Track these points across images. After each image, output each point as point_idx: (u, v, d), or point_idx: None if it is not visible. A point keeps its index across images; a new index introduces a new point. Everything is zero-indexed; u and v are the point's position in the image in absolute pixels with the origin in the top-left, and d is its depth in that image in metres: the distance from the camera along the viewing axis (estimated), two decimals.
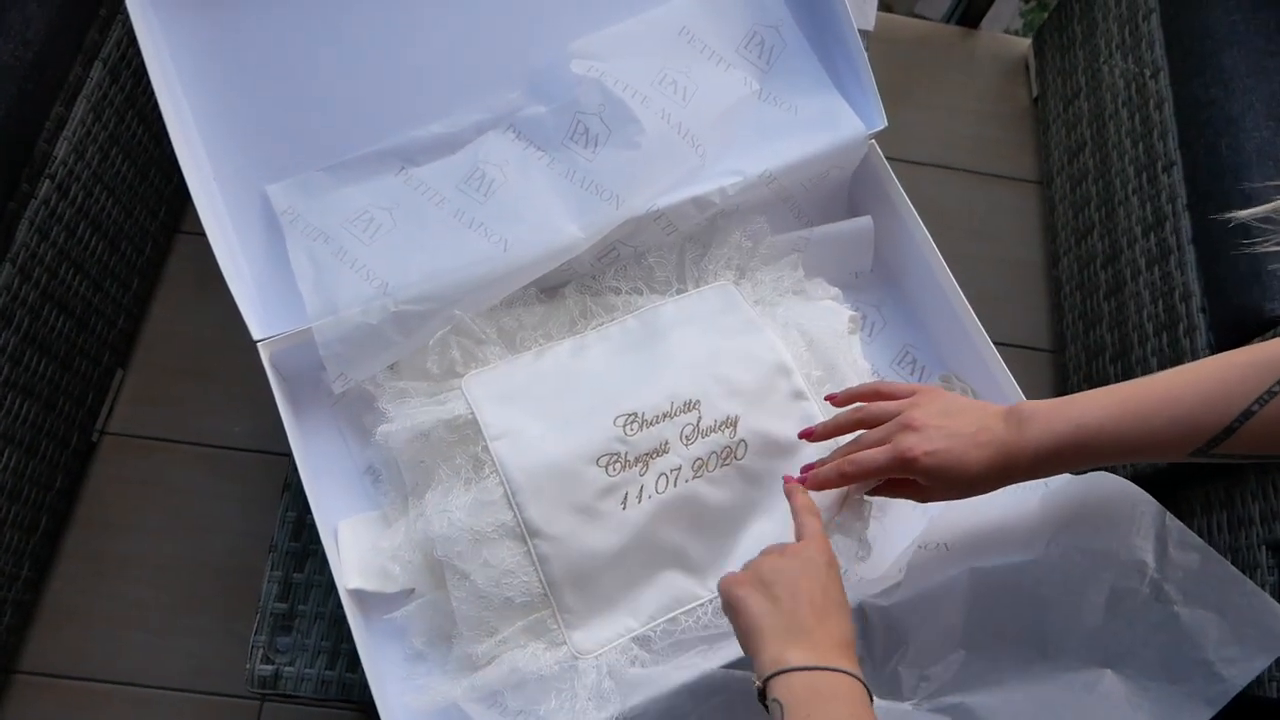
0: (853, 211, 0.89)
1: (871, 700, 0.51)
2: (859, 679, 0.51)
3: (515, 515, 0.69)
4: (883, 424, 0.61)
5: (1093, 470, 0.66)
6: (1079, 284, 1.32)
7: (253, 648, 0.74)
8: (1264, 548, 0.95)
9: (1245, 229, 0.55)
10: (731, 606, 0.56)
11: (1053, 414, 0.57)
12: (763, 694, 0.52)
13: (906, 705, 0.68)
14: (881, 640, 0.68)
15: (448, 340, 0.76)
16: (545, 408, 0.73)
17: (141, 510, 1.19)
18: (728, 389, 0.73)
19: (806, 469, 0.65)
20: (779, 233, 0.83)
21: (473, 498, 0.71)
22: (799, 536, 0.60)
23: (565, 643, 0.68)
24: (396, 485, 0.75)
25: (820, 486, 0.63)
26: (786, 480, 0.65)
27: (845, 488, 0.64)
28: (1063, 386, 1.33)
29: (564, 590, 0.69)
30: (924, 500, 0.62)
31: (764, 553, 0.58)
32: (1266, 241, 0.53)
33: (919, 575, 0.69)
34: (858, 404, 0.65)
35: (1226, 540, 0.99)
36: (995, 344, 0.79)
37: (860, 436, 0.63)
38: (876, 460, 0.59)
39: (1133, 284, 1.18)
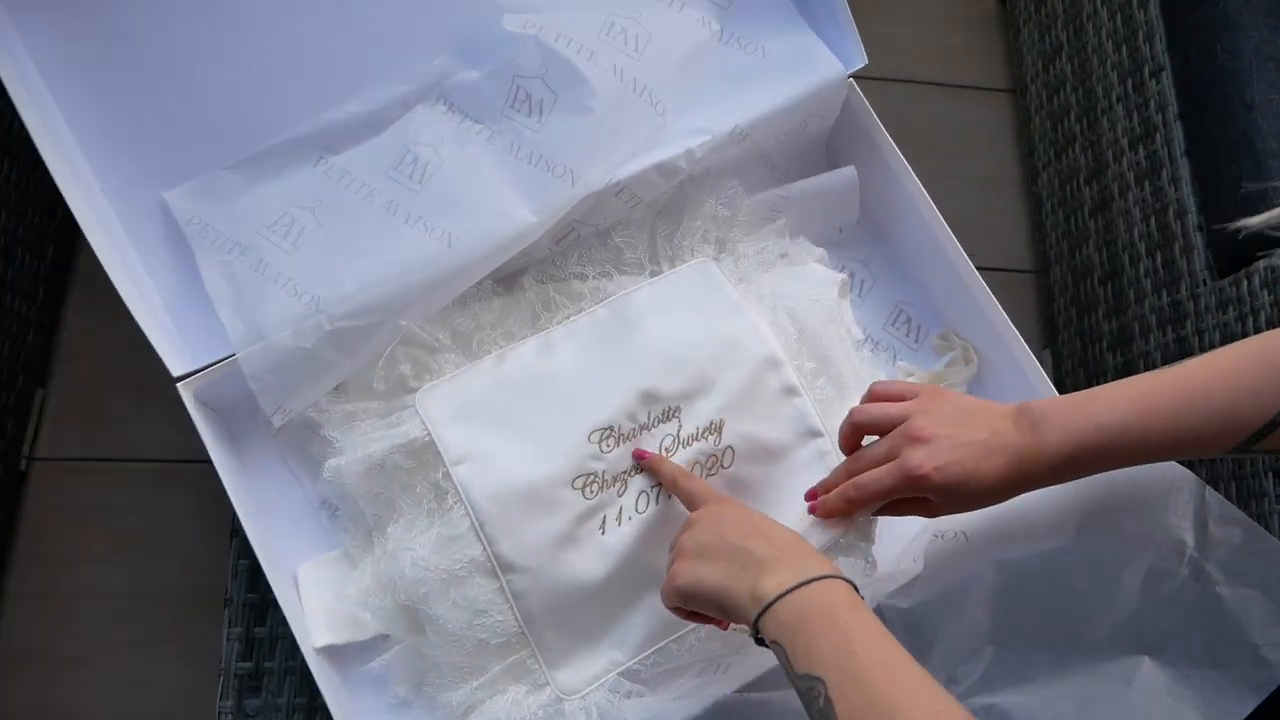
0: (832, 160, 0.81)
1: (859, 594, 0.48)
2: (839, 577, 0.48)
3: (485, 549, 0.62)
4: (885, 432, 0.56)
5: None
6: (1061, 200, 1.25)
7: (219, 714, 0.67)
8: (1270, 475, 0.91)
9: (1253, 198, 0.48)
10: (687, 600, 0.53)
11: (1070, 414, 0.52)
12: (759, 639, 0.49)
13: None
14: (904, 645, 0.62)
15: (395, 354, 0.67)
16: (511, 422, 0.66)
17: (85, 538, 1.10)
18: (711, 389, 0.66)
19: (811, 496, 0.59)
20: (755, 194, 0.75)
21: (437, 532, 0.63)
22: (691, 506, 0.58)
23: (548, 684, 0.62)
24: (356, 519, 0.68)
25: (829, 515, 0.58)
26: (637, 454, 0.64)
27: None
28: (1049, 309, 1.28)
29: (543, 627, 0.62)
30: (933, 515, 0.56)
31: (672, 551, 0.55)
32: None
33: (939, 569, 0.63)
34: (857, 409, 0.59)
35: (1231, 468, 0.95)
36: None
37: (862, 453, 0.57)
38: (883, 483, 0.54)
39: (1121, 200, 1.11)
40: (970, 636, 0.61)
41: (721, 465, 0.65)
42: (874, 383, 0.60)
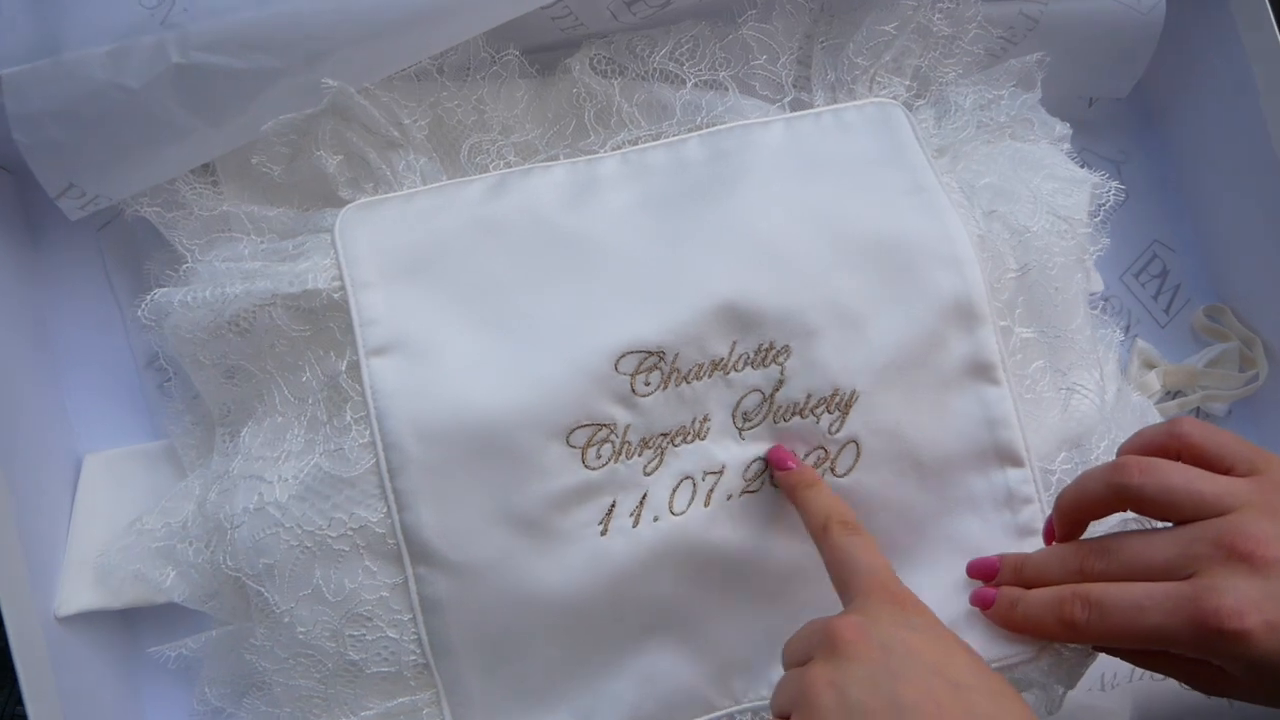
0: None
1: None
2: None
3: (390, 514, 0.35)
4: (1179, 523, 0.31)
5: None
6: None
7: None
8: None
9: None
10: None
11: None
12: None
13: None
14: None
15: (319, 131, 0.38)
16: (485, 302, 0.37)
17: None
18: (850, 330, 0.36)
19: (984, 573, 0.36)
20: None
21: (315, 464, 0.36)
22: (841, 587, 0.32)
23: None
24: (195, 403, 0.40)
25: (1010, 627, 0.34)
26: (775, 457, 0.36)
27: None
28: None
29: (462, 664, 0.36)
30: (1219, 695, 0.32)
31: (797, 665, 0.30)
32: None
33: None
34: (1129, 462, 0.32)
35: None
36: None
37: (1121, 542, 0.32)
38: (1148, 617, 0.30)
39: None
40: None
41: (831, 470, 0.36)
42: (1177, 420, 0.32)
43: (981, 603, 0.35)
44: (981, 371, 0.38)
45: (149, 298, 0.37)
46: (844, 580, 0.32)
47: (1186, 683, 0.32)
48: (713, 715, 0.37)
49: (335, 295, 0.36)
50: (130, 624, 0.40)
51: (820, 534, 0.33)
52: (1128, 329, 0.48)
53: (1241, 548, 0.29)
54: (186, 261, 0.38)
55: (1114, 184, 0.42)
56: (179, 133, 0.36)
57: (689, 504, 0.36)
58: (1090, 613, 0.31)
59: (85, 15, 0.35)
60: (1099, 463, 0.37)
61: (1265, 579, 0.28)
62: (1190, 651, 0.30)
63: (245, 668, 0.39)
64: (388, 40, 0.36)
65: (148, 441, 0.41)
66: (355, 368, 0.36)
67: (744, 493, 0.36)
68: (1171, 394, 0.47)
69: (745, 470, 0.36)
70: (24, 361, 0.40)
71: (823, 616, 0.30)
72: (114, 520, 0.39)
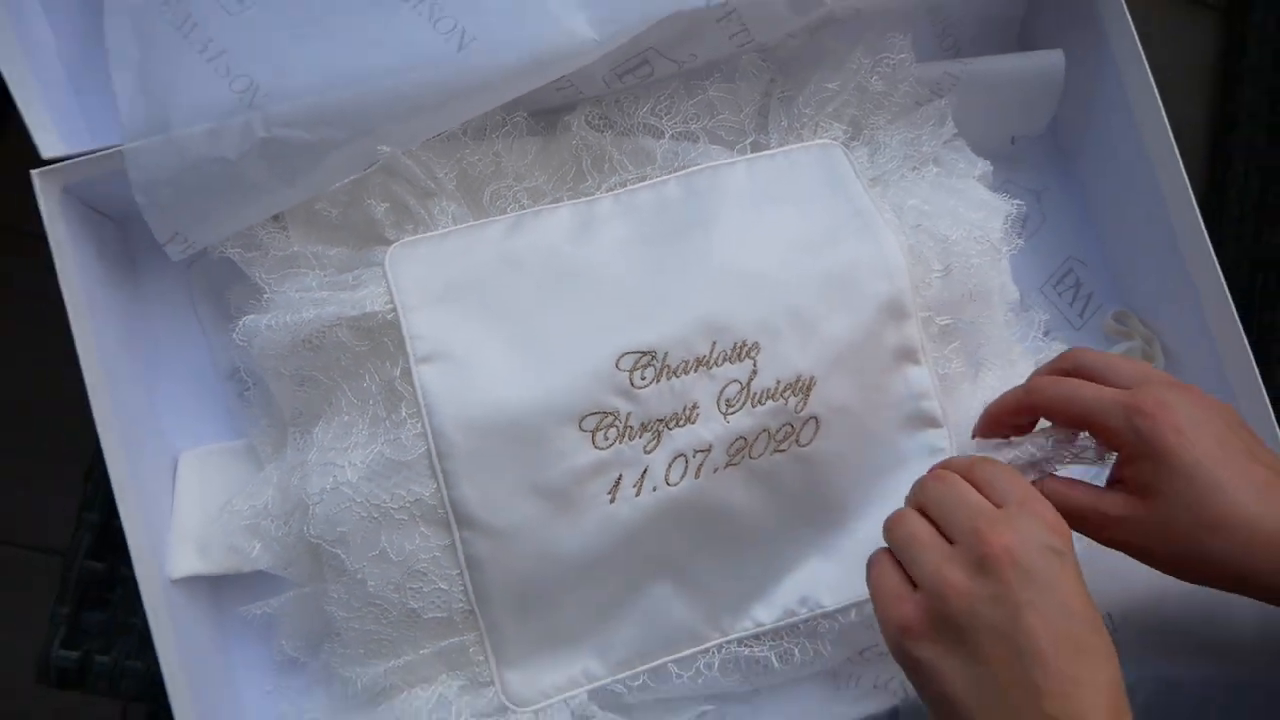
0: (1025, 41, 0.57)
1: None
2: None
3: (440, 490, 0.43)
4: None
5: None
6: (1261, 164, 0.99)
7: (52, 620, 0.50)
8: None
9: None
10: (909, 668, 0.35)
11: None
12: None
13: None
14: None
15: (370, 184, 0.47)
16: (511, 318, 0.46)
17: None
18: (807, 331, 0.45)
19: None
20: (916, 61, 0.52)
21: (379, 452, 0.44)
22: (1003, 497, 0.35)
23: (493, 683, 0.45)
24: (271, 407, 0.49)
25: (991, 425, 0.43)
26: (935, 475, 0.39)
27: None
28: None
29: (500, 610, 0.45)
30: (1130, 543, 0.38)
31: (934, 555, 0.35)
32: None
33: None
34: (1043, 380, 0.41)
35: None
36: None
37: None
38: (1084, 392, 0.38)
39: None
40: None
41: (797, 441, 0.45)
42: (1075, 350, 0.42)
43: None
44: (907, 355, 0.47)
45: (241, 323, 0.46)
46: (1002, 491, 0.35)
47: (1104, 524, 0.38)
48: (703, 645, 0.46)
49: (388, 316, 0.45)
50: (217, 589, 0.49)
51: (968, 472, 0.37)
52: (1047, 333, 0.56)
53: (1146, 407, 0.36)
54: (265, 293, 0.47)
55: (1017, 202, 0.50)
56: (261, 191, 0.45)
57: (682, 476, 0.45)
58: (1035, 390, 0.39)
59: (188, 99, 0.44)
60: None
61: (1166, 408, 0.36)
62: (1117, 440, 0.36)
63: (315, 624, 0.47)
64: (425, 115, 0.45)
65: (230, 440, 0.50)
66: (407, 374, 0.45)
67: (728, 465, 0.45)
68: None
69: (729, 447, 0.45)
70: (129, 377, 0.48)
71: (974, 504, 0.35)
72: (207, 504, 0.48)
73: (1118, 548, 0.38)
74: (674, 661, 0.46)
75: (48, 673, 0.50)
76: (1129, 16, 0.51)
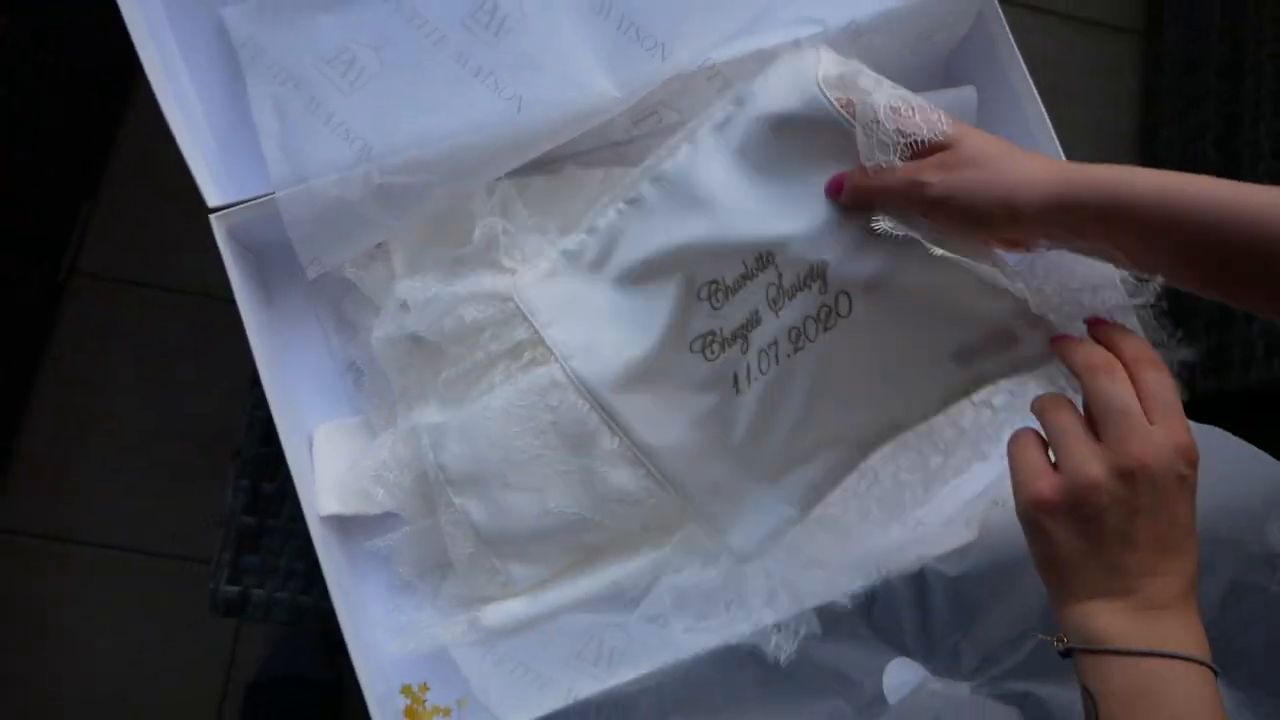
0: (949, 81, 0.73)
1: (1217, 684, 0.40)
2: (1206, 664, 0.39)
3: (610, 428, 0.58)
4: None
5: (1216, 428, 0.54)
6: (1180, 163, 1.15)
7: (216, 565, 0.64)
8: None
9: None
10: (1031, 529, 0.42)
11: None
12: (1065, 653, 0.42)
13: (964, 687, 0.59)
14: (944, 614, 0.58)
15: (508, 196, 0.63)
16: (612, 298, 0.61)
17: (115, 362, 1.09)
18: (810, 223, 0.52)
19: (834, 185, 0.51)
20: None
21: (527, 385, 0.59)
22: (1156, 413, 0.40)
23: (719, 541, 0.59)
24: (382, 389, 0.64)
25: (864, 191, 0.49)
26: (1057, 343, 0.46)
27: None
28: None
29: (699, 499, 0.60)
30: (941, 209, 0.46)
31: (1083, 450, 0.40)
32: None
33: (996, 539, 0.58)
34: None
35: None
36: None
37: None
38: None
39: (1250, 170, 1.01)
40: (1018, 617, 0.57)
41: (839, 314, 0.53)
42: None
43: (835, 186, 0.49)
44: None
45: (375, 326, 0.61)
46: (1159, 405, 0.40)
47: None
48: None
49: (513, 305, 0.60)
50: (347, 531, 0.63)
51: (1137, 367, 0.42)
52: None
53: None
54: (377, 303, 0.62)
55: None
56: (376, 225, 0.60)
57: (769, 367, 0.55)
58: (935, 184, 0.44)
59: (319, 158, 0.59)
60: None
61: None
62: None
63: (425, 555, 0.62)
64: (497, 161, 0.60)
65: (350, 417, 0.65)
66: (535, 335, 0.59)
67: (795, 353, 0.54)
68: None
69: (789, 335, 0.54)
70: (271, 371, 0.63)
71: (1133, 415, 0.39)
72: (338, 463, 0.62)
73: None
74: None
75: (216, 605, 0.64)
76: (1020, 60, 0.66)
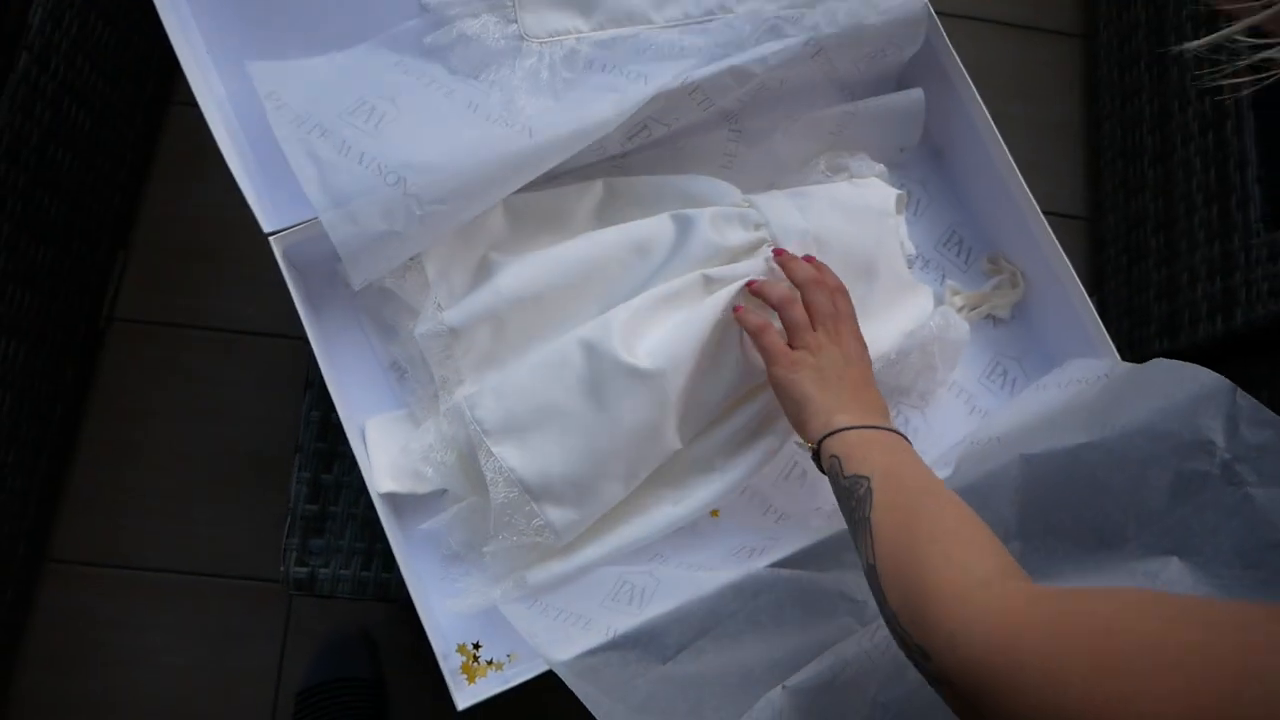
0: (901, 84, 0.82)
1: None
2: (901, 434, 0.58)
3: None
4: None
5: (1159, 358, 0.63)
6: (1122, 149, 1.25)
7: (285, 550, 0.73)
8: None
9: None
10: (784, 389, 0.62)
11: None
12: (816, 455, 0.59)
13: None
14: None
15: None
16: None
17: (156, 398, 1.17)
18: None
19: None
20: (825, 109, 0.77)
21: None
22: (839, 317, 0.65)
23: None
24: (423, 382, 0.73)
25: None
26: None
27: None
28: (1099, 256, 1.29)
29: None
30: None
31: (807, 338, 0.63)
32: (1219, 73, 0.48)
33: (967, 468, 0.67)
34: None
35: None
36: None
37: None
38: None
39: (1183, 150, 1.12)
40: (996, 530, 0.64)
41: None
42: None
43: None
44: None
45: (417, 324, 0.69)
46: (814, 315, 0.64)
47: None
48: None
49: None
50: (401, 514, 0.72)
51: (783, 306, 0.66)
52: (944, 277, 0.81)
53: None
54: (415, 307, 0.71)
55: (923, 194, 0.75)
56: (415, 243, 0.69)
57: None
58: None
59: (356, 191, 0.67)
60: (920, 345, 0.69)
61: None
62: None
63: (475, 528, 0.70)
64: (517, 178, 0.69)
65: (395, 410, 0.74)
66: None
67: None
68: (972, 308, 0.80)
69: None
70: (331, 371, 0.72)
71: (840, 314, 0.65)
72: (390, 449, 0.71)
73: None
74: None
75: (288, 584, 0.72)
76: (960, 65, 0.76)
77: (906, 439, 0.58)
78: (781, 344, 0.64)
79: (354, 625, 1.11)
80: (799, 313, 0.64)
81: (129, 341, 1.19)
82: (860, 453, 0.55)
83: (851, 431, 0.57)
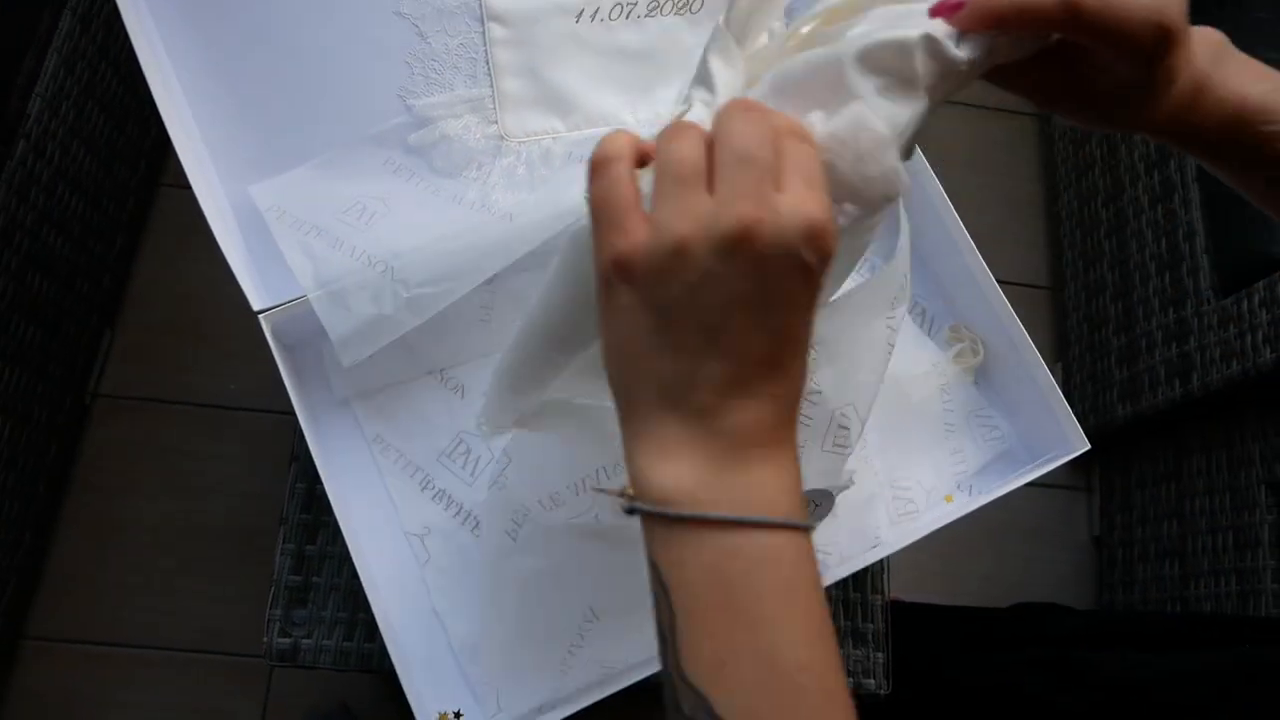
0: None
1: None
2: (801, 527, 0.30)
3: None
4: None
5: None
6: (1079, 221, 1.31)
7: (268, 621, 0.73)
8: (1263, 487, 0.96)
9: None
10: (606, 304, 0.31)
11: None
12: (630, 511, 0.31)
13: None
14: None
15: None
16: None
17: (139, 473, 1.18)
18: None
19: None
20: None
21: None
22: (791, 178, 0.29)
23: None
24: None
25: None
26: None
27: None
28: (1062, 324, 1.33)
29: None
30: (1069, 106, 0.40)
31: (686, 199, 0.29)
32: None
33: None
34: None
35: (1226, 479, 1.00)
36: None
37: None
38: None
39: (1135, 221, 1.17)
40: None
41: None
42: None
43: (945, 8, 0.32)
44: None
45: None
46: (797, 169, 0.28)
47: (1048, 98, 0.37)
48: None
49: None
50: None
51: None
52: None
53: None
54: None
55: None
56: (402, 326, 0.71)
57: None
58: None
59: (347, 279, 0.71)
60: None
61: None
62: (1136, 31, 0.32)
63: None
64: (495, 260, 0.72)
65: (377, 482, 0.76)
66: None
67: None
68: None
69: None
70: (319, 445, 0.74)
71: (760, 167, 0.28)
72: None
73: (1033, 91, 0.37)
74: None
75: (271, 655, 0.73)
76: (921, 154, 0.81)
77: (806, 528, 0.30)
78: (625, 200, 0.30)
79: (335, 700, 1.10)
80: (682, 148, 0.29)
81: (114, 417, 1.20)
82: (700, 617, 0.29)
83: (696, 538, 0.29)
